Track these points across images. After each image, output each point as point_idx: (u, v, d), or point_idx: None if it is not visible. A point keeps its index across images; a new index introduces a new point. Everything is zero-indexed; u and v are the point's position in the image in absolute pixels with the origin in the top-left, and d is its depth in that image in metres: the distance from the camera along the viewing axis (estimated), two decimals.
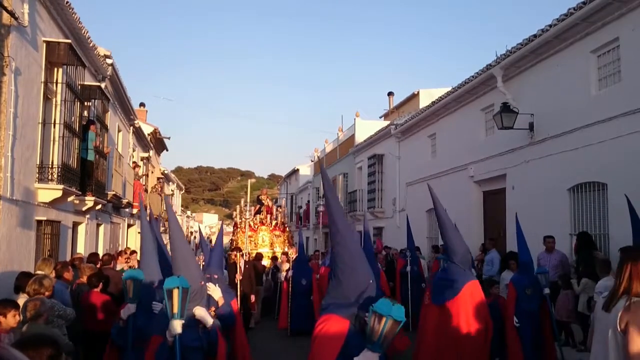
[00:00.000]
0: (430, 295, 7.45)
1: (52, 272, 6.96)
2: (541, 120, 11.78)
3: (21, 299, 5.79)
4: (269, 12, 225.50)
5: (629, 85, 9.40)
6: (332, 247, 4.21)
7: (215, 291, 5.90)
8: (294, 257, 13.36)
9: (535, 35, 11.39)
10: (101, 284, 7.52)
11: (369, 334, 3.40)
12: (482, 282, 10.72)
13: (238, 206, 20.63)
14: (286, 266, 14.22)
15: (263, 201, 20.39)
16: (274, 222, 19.34)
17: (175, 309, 4.28)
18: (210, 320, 4.76)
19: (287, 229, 20.32)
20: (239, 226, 19.01)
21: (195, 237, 66.03)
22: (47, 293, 5.71)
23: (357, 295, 3.84)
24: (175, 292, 4.28)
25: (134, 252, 12.72)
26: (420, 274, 13.24)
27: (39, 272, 6.73)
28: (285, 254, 15.86)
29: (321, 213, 29.90)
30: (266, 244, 18.76)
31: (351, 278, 3.91)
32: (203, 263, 7.89)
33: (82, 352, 7.05)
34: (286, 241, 19.21)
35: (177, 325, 4.31)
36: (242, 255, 12.86)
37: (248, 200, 14.76)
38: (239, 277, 10.68)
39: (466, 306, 6.73)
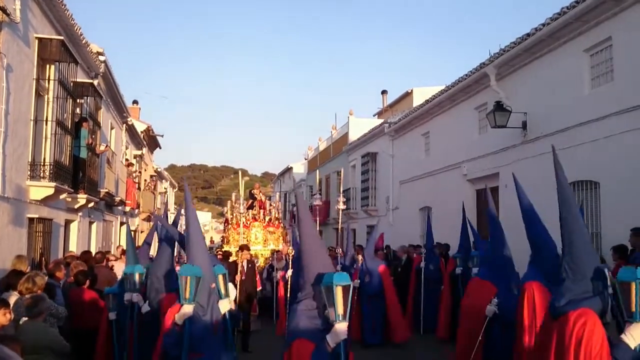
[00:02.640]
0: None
1: (26, 269, 6.93)
2: (534, 119, 11.81)
3: (12, 297, 5.75)
4: (263, 9, 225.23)
5: (621, 84, 9.44)
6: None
7: (232, 290, 5.85)
8: (292, 254, 11.95)
9: (528, 34, 11.42)
10: (88, 281, 7.50)
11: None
12: (456, 277, 10.81)
13: (229, 201, 19.57)
14: (282, 264, 13.54)
15: (256, 196, 19.12)
16: (267, 218, 18.17)
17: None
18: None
19: (282, 224, 19.08)
20: (230, 222, 18.01)
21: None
22: (39, 291, 5.68)
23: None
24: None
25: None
26: (442, 274, 11.86)
27: (15, 269, 6.70)
28: (279, 251, 15.15)
29: (317, 209, 29.90)
30: (259, 240, 17.60)
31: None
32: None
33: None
34: (281, 238, 18.04)
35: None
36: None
37: (242, 194, 13.64)
38: (239, 277, 10.29)
39: None
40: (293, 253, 11.93)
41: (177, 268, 6.34)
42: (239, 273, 10.45)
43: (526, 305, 5.39)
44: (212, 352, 4.93)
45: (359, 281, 10.66)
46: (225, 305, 5.21)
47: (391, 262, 14.59)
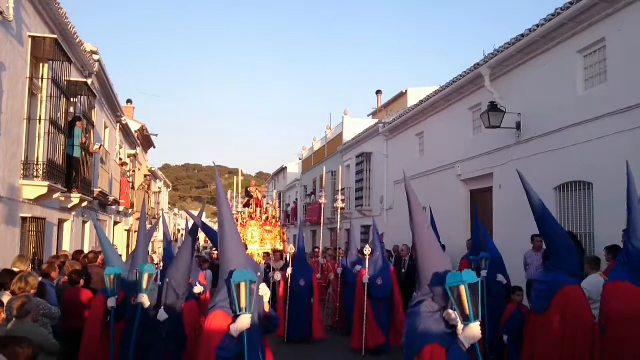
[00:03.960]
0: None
1: (28, 269, 6.90)
2: (528, 120, 11.85)
3: (5, 297, 5.72)
4: (257, 8, 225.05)
5: (614, 85, 9.48)
6: None
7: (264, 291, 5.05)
8: (292, 254, 11.81)
9: (522, 35, 11.45)
10: (82, 280, 7.48)
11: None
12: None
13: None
14: (280, 264, 13.26)
15: (252, 193, 18.55)
16: (264, 217, 17.66)
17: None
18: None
19: (279, 223, 18.65)
20: None
21: (182, 234, 65.85)
22: (32, 291, 5.65)
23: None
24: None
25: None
26: None
27: (14, 269, 6.66)
28: (278, 251, 14.69)
29: (309, 209, 29.83)
30: (256, 240, 17.11)
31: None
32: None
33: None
34: (278, 237, 17.64)
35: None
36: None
37: (236, 192, 13.15)
38: None
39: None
40: (293, 252, 11.63)
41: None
42: None
43: None
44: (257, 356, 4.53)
45: (368, 277, 10.08)
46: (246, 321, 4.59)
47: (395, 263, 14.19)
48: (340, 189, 14.84)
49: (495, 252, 9.12)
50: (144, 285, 5.90)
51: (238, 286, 4.24)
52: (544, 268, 6.76)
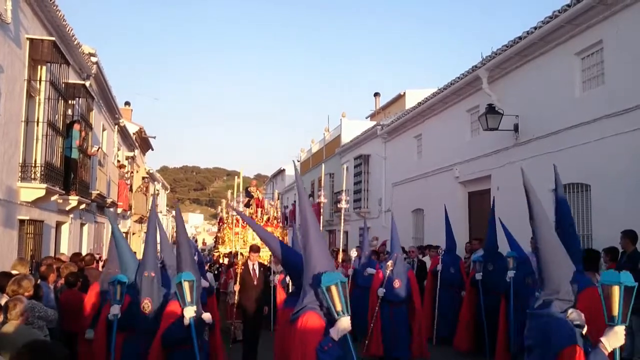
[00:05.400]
0: None
1: (27, 271, 6.87)
2: (526, 122, 11.86)
3: (3, 300, 5.71)
4: (256, 12, 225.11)
5: (612, 87, 9.50)
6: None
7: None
8: None
9: (520, 37, 11.47)
10: (80, 282, 7.46)
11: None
12: (476, 283, 9.67)
13: (224, 200, 18.18)
14: (280, 267, 11.95)
15: (252, 193, 17.66)
16: (265, 217, 16.84)
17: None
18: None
19: (281, 224, 17.76)
20: (225, 222, 16.70)
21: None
22: (26, 294, 5.63)
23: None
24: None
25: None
26: (462, 277, 11.01)
27: (14, 271, 6.64)
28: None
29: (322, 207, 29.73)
30: (257, 241, 16.53)
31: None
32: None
33: None
34: (280, 238, 17.10)
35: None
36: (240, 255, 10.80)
37: (237, 192, 12.71)
38: (237, 287, 9.30)
39: None
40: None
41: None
42: (239, 277, 9.39)
43: None
44: None
45: (384, 290, 9.12)
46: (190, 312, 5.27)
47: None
48: (344, 189, 14.63)
49: (523, 252, 8.68)
50: (189, 298, 5.36)
51: (329, 290, 4.16)
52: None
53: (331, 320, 4.17)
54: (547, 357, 3.74)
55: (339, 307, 4.13)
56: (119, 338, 6.00)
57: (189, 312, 5.30)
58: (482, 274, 9.57)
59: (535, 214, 4.22)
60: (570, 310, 3.68)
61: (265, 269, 10.47)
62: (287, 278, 10.69)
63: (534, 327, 3.94)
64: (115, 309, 5.99)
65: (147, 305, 5.88)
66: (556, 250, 4.04)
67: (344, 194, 13.17)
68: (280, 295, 10.92)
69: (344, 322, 4.11)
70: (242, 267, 9.78)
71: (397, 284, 9.10)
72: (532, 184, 4.38)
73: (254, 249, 9.97)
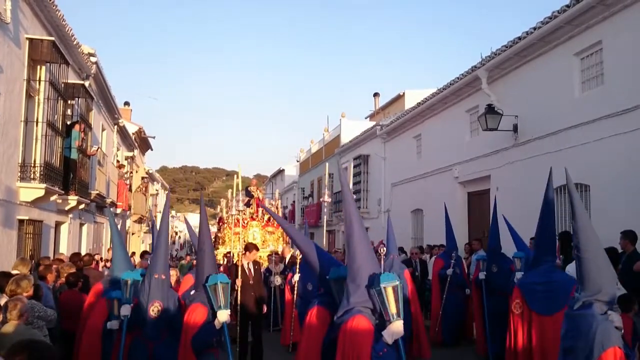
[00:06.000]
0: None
1: (28, 272, 6.86)
2: (525, 122, 11.87)
3: (2, 300, 5.71)
4: (255, 12, 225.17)
5: (611, 87, 9.51)
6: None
7: None
8: (296, 257, 10.74)
9: (519, 38, 11.47)
10: (80, 283, 7.45)
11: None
12: (481, 283, 9.34)
13: (224, 200, 17.81)
14: (280, 268, 12.54)
15: (253, 193, 17.25)
16: (265, 217, 16.39)
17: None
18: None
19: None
20: (225, 221, 16.33)
21: (179, 236, 65.72)
22: (25, 294, 5.63)
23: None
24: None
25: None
26: (465, 278, 10.99)
27: (14, 271, 6.64)
28: (277, 253, 13.63)
29: (306, 212, 29.76)
30: (258, 242, 15.61)
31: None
32: (194, 262, 7.62)
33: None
34: (280, 238, 16.47)
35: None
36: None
37: (236, 191, 12.46)
38: (239, 282, 9.02)
39: None
40: (300, 256, 10.16)
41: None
42: (239, 276, 9.17)
43: None
44: None
45: None
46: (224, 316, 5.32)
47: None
48: (351, 184, 14.47)
49: (531, 253, 8.19)
50: (222, 300, 5.34)
51: (386, 291, 4.09)
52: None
53: (380, 324, 4.13)
54: (590, 358, 3.75)
55: (393, 310, 4.07)
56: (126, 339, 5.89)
57: (224, 316, 5.25)
58: (486, 274, 9.34)
59: (578, 216, 4.21)
60: (609, 312, 3.72)
61: (260, 267, 10.31)
62: (295, 277, 10.50)
63: (574, 328, 3.94)
64: (126, 309, 5.79)
65: (157, 308, 5.73)
66: (599, 252, 4.06)
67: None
68: (287, 296, 10.90)
69: (398, 326, 4.07)
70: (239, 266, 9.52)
71: None
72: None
73: (249, 248, 9.79)
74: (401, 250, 13.43)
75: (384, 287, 4.05)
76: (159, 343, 5.68)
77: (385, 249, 9.25)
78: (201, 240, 5.95)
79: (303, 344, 4.97)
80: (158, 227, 6.53)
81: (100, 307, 6.37)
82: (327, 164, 14.32)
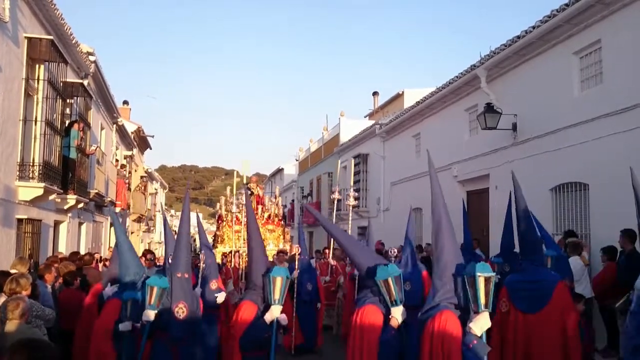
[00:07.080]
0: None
1: (26, 271, 6.85)
2: (524, 121, 11.86)
3: (1, 299, 5.70)
4: (254, 11, 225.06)
5: (610, 86, 9.50)
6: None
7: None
8: (298, 255, 10.53)
9: (518, 37, 11.47)
10: (77, 281, 7.45)
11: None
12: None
13: (223, 197, 17.42)
14: (286, 266, 12.31)
15: (252, 190, 16.93)
16: (265, 215, 16.22)
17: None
18: None
19: (282, 222, 17.11)
20: (224, 219, 16.10)
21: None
22: (24, 292, 5.62)
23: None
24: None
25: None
26: None
27: (13, 270, 6.63)
28: (282, 252, 13.03)
29: (306, 210, 29.72)
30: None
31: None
32: (203, 264, 7.44)
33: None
34: (281, 237, 16.28)
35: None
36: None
37: (235, 190, 12.25)
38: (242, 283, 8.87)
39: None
40: (300, 253, 10.54)
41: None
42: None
43: None
44: None
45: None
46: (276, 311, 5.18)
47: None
48: (352, 184, 14.34)
49: (561, 251, 8.14)
50: (277, 295, 5.15)
51: (478, 280, 4.10)
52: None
53: (461, 318, 4.14)
54: None
55: (483, 300, 4.05)
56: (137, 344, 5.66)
57: (277, 311, 5.06)
58: (499, 275, 9.00)
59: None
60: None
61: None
62: (293, 276, 9.95)
63: (635, 326, 3.89)
64: (150, 315, 5.47)
65: (182, 310, 5.48)
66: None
67: (351, 189, 12.91)
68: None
69: (486, 317, 4.06)
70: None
71: (407, 286, 7.80)
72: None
73: (280, 253, 9.75)
74: (419, 249, 12.96)
75: (479, 276, 4.04)
76: (183, 345, 5.47)
77: (395, 250, 9.10)
78: (250, 237, 5.76)
79: (356, 343, 4.79)
80: (177, 227, 6.45)
81: (110, 308, 6.18)
82: (339, 161, 14.09)
